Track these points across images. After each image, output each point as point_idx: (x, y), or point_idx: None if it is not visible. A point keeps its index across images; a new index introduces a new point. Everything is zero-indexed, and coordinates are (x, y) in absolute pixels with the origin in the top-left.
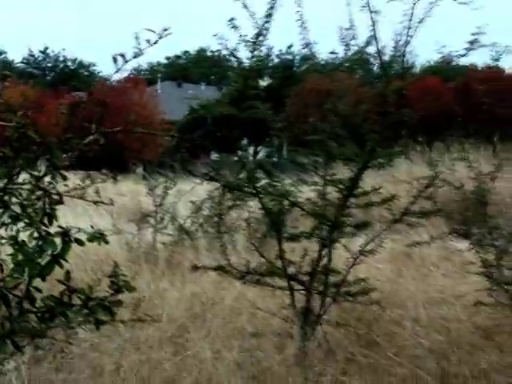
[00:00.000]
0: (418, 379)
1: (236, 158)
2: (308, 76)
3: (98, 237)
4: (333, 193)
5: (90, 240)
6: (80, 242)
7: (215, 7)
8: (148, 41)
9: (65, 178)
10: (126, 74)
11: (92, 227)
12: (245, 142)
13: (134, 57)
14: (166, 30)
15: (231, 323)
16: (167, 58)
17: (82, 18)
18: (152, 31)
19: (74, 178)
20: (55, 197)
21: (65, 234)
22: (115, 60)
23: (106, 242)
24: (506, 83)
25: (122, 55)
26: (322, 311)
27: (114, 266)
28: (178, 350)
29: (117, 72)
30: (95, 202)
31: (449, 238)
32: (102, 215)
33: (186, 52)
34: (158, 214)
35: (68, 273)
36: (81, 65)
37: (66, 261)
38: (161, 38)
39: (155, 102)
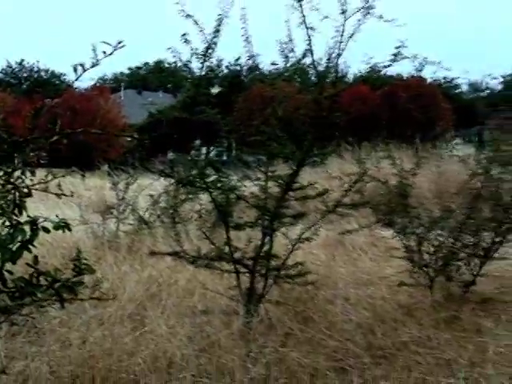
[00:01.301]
0: (348, 351)
1: (189, 157)
2: (253, 84)
3: (63, 225)
4: (273, 187)
5: (56, 228)
6: (46, 230)
7: (172, 23)
8: (104, 52)
9: (33, 174)
10: (92, 83)
11: (57, 216)
12: (198, 142)
13: (92, 66)
14: (120, 42)
15: (184, 302)
16: (129, 69)
17: (54, 32)
18: (108, 44)
19: (44, 175)
20: (24, 190)
21: (33, 222)
22: (75, 69)
23: (69, 230)
24: (427, 91)
25: (82, 65)
26: (264, 291)
27: (77, 251)
28: (136, 326)
29: (77, 80)
30: (57, 195)
31: (375, 227)
32: (72, 207)
33: (146, 63)
34: (121, 206)
35: (36, 257)
36: (53, 75)
37: (34, 246)
38: (115, 49)
39: (118, 108)
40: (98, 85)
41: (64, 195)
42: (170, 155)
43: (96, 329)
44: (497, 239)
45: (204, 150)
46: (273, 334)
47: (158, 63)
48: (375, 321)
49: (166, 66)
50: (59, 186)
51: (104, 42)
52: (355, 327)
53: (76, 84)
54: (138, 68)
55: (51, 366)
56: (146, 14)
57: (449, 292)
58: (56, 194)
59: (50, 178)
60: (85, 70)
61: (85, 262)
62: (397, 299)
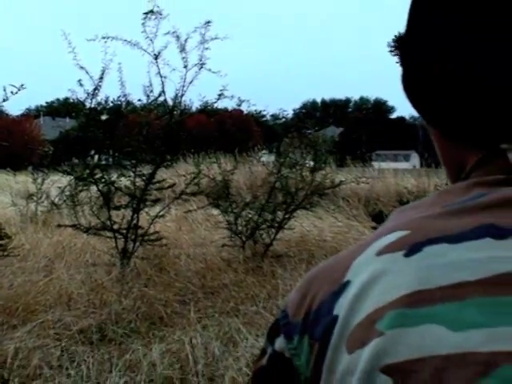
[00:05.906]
0: (189, 289)
1: (84, 162)
2: (128, 113)
3: None
4: (140, 182)
5: None
6: None
7: (72, 72)
8: (12, 91)
9: None
10: (21, 112)
11: None
12: (92, 152)
13: (3, 101)
14: (22, 85)
15: (80, 258)
16: (46, 102)
17: None
18: (14, 86)
19: None
20: None
21: None
22: None
23: None
24: (244, 119)
25: None
26: (133, 250)
27: None
28: (47, 275)
29: None
30: None
31: (208, 208)
32: (7, 195)
33: (58, 99)
34: (39, 194)
35: None
36: None
37: None
38: (19, 90)
39: (39, 129)
40: (25, 113)
41: None
42: (74, 160)
43: (20, 276)
44: (286, 216)
45: (96, 157)
46: (138, 279)
47: (66, 99)
48: (207, 270)
49: (71, 100)
50: None
51: (12, 85)
52: (193, 274)
53: (10, 112)
54: (52, 102)
55: None
56: (55, 64)
57: (255, 250)
58: None
59: None
60: None
61: (4, 231)
62: (221, 255)
